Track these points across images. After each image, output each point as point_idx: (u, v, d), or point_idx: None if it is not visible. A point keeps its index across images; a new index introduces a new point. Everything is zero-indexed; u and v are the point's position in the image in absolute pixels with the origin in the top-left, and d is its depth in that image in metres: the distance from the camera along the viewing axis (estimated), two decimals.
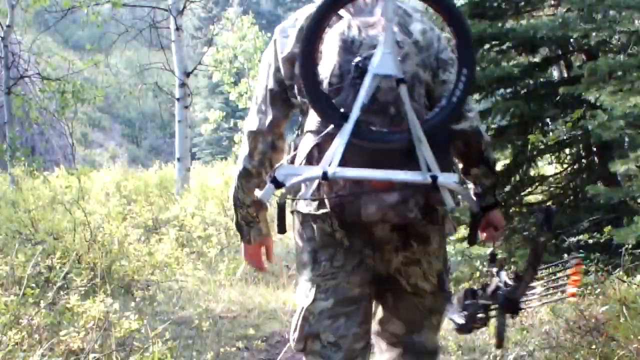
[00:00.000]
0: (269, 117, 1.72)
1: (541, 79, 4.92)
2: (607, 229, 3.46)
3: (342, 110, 1.49)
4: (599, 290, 3.47)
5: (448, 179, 1.51)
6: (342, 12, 1.65)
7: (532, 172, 4.99)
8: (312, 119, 1.61)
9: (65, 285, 3.26)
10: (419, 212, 1.56)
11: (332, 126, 1.50)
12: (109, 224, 4.49)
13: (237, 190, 1.78)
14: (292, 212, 1.70)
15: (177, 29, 8.02)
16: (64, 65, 8.42)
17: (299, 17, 1.70)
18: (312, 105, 1.53)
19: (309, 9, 1.66)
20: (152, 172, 11.24)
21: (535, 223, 1.62)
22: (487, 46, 4.72)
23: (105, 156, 22.98)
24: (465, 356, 3.19)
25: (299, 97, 1.67)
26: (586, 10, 3.93)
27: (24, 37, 13.52)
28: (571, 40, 4.53)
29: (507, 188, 4.96)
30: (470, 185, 1.83)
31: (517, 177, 4.94)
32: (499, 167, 5.24)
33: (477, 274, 4.10)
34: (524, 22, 4.58)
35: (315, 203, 1.62)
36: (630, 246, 3.40)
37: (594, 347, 2.72)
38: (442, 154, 1.56)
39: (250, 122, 1.75)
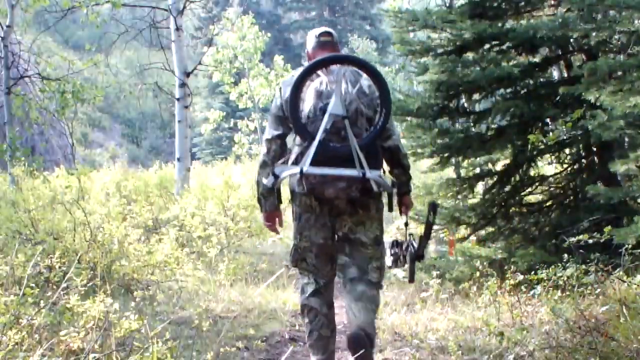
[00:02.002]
0: (278, 132, 2.88)
1: (541, 79, 4.91)
2: (607, 229, 3.45)
3: (312, 133, 2.67)
4: (599, 290, 3.46)
5: (373, 174, 2.67)
6: (320, 73, 2.81)
7: (532, 172, 4.98)
8: (297, 138, 2.81)
9: (66, 285, 3.25)
10: (358, 193, 2.73)
11: (306, 142, 2.68)
12: (109, 224, 4.49)
13: (258, 175, 2.92)
14: (291, 191, 2.88)
15: (177, 29, 8.01)
16: (64, 65, 8.39)
17: (294, 76, 2.79)
18: (295, 130, 2.75)
19: (298, 71, 2.77)
20: (152, 172, 11.23)
21: (427, 215, 3.01)
22: (487, 46, 4.71)
23: (105, 156, 22.98)
24: (465, 356, 3.19)
25: (290, 124, 2.80)
26: (586, 10, 3.93)
27: (24, 37, 13.51)
28: (571, 40, 4.53)
29: (507, 188, 4.96)
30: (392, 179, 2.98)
31: (517, 177, 4.94)
32: (499, 167, 5.25)
33: (477, 273, 4.10)
34: (524, 22, 4.58)
35: (301, 188, 2.78)
36: (630, 246, 3.39)
37: (594, 347, 2.72)
38: (373, 159, 2.72)
39: (268, 133, 2.91)
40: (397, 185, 3.00)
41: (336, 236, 2.88)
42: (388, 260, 3.04)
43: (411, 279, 3.03)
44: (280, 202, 2.93)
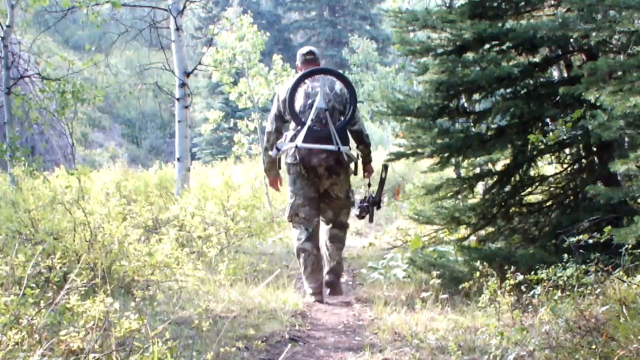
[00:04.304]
0: (275, 125, 4.54)
1: (541, 79, 4.90)
2: (607, 229, 3.44)
3: (304, 120, 4.31)
4: (599, 290, 3.46)
5: (344, 149, 4.30)
6: (307, 80, 4.36)
7: (532, 172, 4.98)
8: (292, 124, 4.43)
9: (69, 287, 3.25)
10: (333, 162, 4.30)
11: (299, 127, 4.32)
12: (109, 224, 4.48)
13: (263, 155, 4.66)
14: (285, 163, 4.43)
15: (177, 29, 7.99)
16: (64, 65, 8.38)
17: (288, 83, 4.38)
18: (292, 118, 4.40)
19: (293, 79, 4.34)
20: (152, 172, 11.24)
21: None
22: (487, 46, 4.71)
23: (105, 156, 22.99)
24: (465, 356, 3.19)
25: (287, 115, 4.42)
26: (586, 10, 3.92)
27: (24, 37, 13.52)
28: (571, 40, 4.52)
29: (507, 188, 4.96)
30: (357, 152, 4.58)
31: (517, 177, 4.93)
32: (499, 167, 5.25)
33: (477, 273, 4.09)
34: (524, 22, 4.57)
35: (294, 159, 4.34)
36: (630, 246, 3.39)
37: (594, 347, 2.72)
38: (343, 138, 4.35)
39: (268, 126, 4.56)
40: (362, 157, 4.59)
41: (319, 192, 4.42)
42: (355, 210, 4.54)
43: (371, 220, 4.57)
44: (280, 168, 4.60)
